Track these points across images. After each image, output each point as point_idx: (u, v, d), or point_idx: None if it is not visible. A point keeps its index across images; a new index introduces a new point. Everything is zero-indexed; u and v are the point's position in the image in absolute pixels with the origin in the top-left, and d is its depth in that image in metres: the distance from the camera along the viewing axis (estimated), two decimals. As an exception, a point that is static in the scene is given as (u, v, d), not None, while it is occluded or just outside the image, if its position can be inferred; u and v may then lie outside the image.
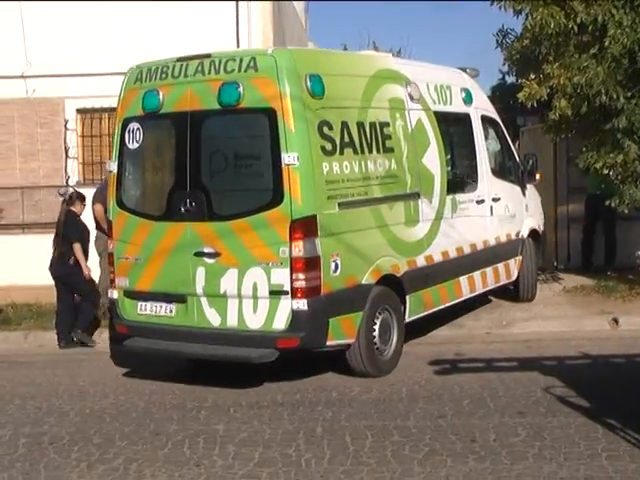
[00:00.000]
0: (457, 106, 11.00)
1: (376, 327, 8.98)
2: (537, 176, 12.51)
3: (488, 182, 11.43)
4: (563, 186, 15.49)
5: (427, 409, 7.68)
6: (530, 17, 12.26)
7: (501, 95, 25.23)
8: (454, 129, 11.21)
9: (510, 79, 18.06)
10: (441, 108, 10.52)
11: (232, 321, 8.44)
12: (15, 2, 13.40)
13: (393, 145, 9.46)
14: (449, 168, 10.57)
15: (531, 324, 11.34)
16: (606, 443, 6.58)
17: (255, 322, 8.35)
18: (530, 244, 12.51)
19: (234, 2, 13.50)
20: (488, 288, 11.54)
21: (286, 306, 8.22)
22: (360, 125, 8.98)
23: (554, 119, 12.57)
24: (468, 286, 10.91)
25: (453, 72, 11.54)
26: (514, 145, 13.70)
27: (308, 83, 8.33)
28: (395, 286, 9.31)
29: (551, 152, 15.33)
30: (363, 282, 8.81)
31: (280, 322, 8.26)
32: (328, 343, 8.45)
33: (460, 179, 11.13)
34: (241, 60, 8.42)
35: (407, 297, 9.48)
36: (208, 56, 8.60)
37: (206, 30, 13.07)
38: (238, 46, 13.23)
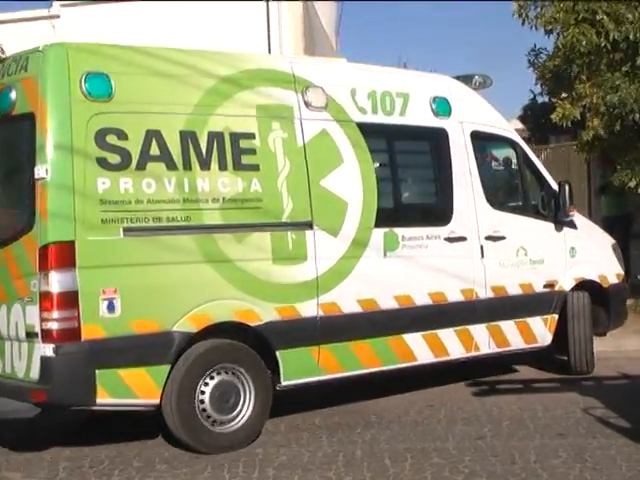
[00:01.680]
0: (417, 118, 8.74)
1: (206, 390, 7.26)
2: (571, 210, 9.69)
3: (479, 215, 9.00)
4: (596, 206, 15.40)
5: (466, 430, 7.65)
6: (561, 36, 12.31)
7: (533, 114, 25.16)
8: (406, 146, 9.10)
9: (542, 98, 18.00)
10: (375, 119, 8.41)
11: (7, 367, 7.16)
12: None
13: (258, 162, 7.59)
14: (384, 194, 8.38)
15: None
16: (649, 464, 6.52)
17: (20, 369, 6.99)
18: (581, 300, 9.72)
19: (264, 2, 13.53)
20: (482, 352, 9.04)
21: (38, 351, 6.75)
22: (187, 135, 7.27)
23: (587, 139, 12.56)
24: (427, 347, 8.56)
25: (419, 77, 9.52)
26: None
27: (84, 83, 6.85)
28: (252, 340, 7.50)
29: (582, 171, 15.26)
30: (173, 329, 7.06)
31: (35, 371, 6.81)
32: (102, 401, 6.84)
33: (410, 209, 9.03)
34: (19, 60, 7.19)
35: (278, 355, 7.62)
36: (8, 58, 7.52)
37: (237, 30, 13.05)
38: (269, 47, 13.24)
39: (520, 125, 31.62)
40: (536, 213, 9.67)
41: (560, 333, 9.64)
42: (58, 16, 17.87)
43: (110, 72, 7.02)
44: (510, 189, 10.39)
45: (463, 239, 8.84)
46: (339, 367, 8.02)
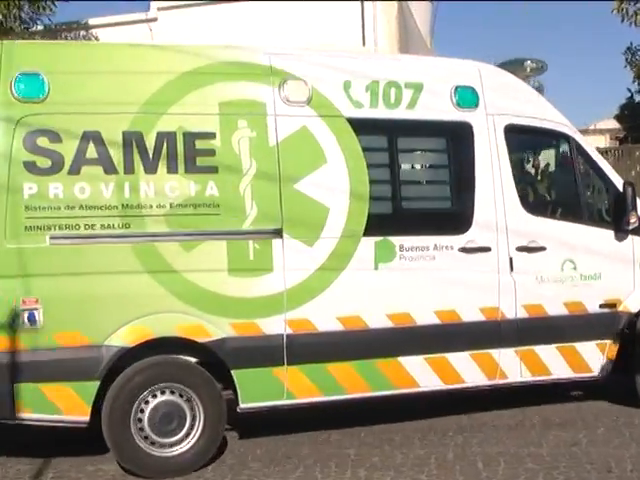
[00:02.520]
0: (430, 111, 7.68)
1: (145, 411, 6.74)
2: (633, 218, 8.12)
3: (509, 222, 7.79)
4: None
5: (561, 436, 7.55)
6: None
7: (630, 114, 24.68)
8: (413, 143, 8.04)
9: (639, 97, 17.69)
10: (373, 114, 7.49)
11: None
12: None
13: (216, 164, 6.93)
14: (379, 198, 7.45)
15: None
16: None
17: None
18: None
19: (359, 2, 13.55)
20: (511, 380, 7.88)
21: None
22: (132, 136, 6.74)
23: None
24: (433, 373, 7.54)
25: (439, 65, 8.16)
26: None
27: (14, 83, 6.49)
28: (203, 358, 6.96)
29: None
30: (104, 343, 6.58)
31: None
32: (24, 416, 6.52)
33: (413, 215, 7.67)
34: None
35: (234, 375, 6.97)
36: None
37: (333, 31, 13.08)
38: (364, 44, 13.25)
39: (617, 125, 31.08)
40: (594, 220, 8.33)
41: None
42: (155, 19, 18.26)
43: (46, 71, 6.60)
44: (558, 192, 9.21)
45: (486, 250, 7.69)
46: (314, 391, 7.22)
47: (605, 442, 7.35)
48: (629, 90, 22.12)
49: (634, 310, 8.21)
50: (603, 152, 20.57)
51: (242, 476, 6.82)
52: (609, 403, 8.61)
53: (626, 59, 13.64)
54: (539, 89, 8.44)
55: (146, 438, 6.75)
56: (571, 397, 8.87)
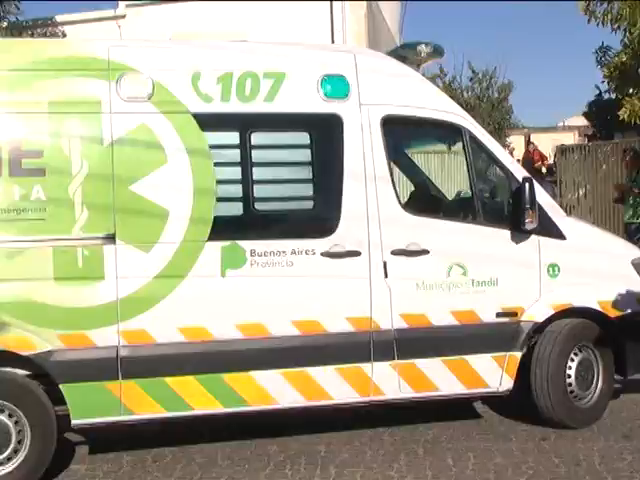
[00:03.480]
0: (292, 104, 7.07)
1: None
2: (529, 217, 7.24)
3: (383, 224, 7.11)
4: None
5: (529, 431, 7.58)
6: (628, 33, 12.15)
7: (598, 111, 24.87)
8: (270, 139, 7.15)
9: (608, 95, 17.84)
10: (223, 109, 6.93)
11: None
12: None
13: (44, 166, 6.50)
14: (227, 200, 6.94)
15: None
16: None
17: None
18: (558, 335, 7.49)
19: (328, 2, 13.61)
20: (390, 397, 7.22)
21: None
22: None
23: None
24: (292, 388, 6.94)
25: (305, 53, 7.40)
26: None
27: None
28: (32, 371, 6.56)
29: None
30: None
31: None
32: None
33: (267, 218, 7.03)
34: None
35: (63, 389, 6.51)
36: None
37: (301, 30, 13.10)
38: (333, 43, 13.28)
39: (585, 122, 31.26)
40: (490, 220, 7.46)
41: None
42: (124, 16, 18.17)
43: None
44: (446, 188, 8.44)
45: (354, 254, 7.04)
46: (155, 407, 6.71)
47: (573, 437, 7.38)
48: (597, 87, 22.26)
49: (540, 319, 7.45)
50: (570, 149, 20.73)
51: (211, 474, 6.81)
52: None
53: (596, 58, 13.76)
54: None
55: None
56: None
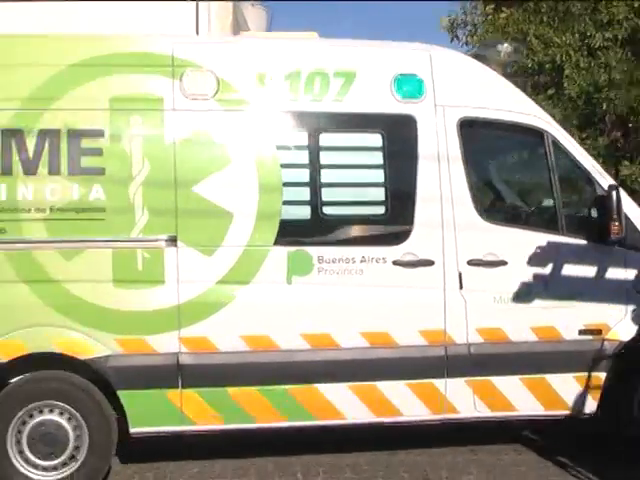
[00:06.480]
0: (363, 103, 6.78)
1: (22, 436, 6.26)
2: (616, 228, 6.80)
3: (459, 232, 6.77)
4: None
5: (378, 447, 7.51)
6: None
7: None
8: (339, 140, 6.86)
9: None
10: (291, 107, 6.71)
11: None
12: None
13: (103, 164, 6.34)
14: (295, 204, 6.66)
15: None
16: None
17: None
18: None
19: (194, 2, 13.54)
20: (463, 416, 6.85)
21: None
22: (11, 134, 6.29)
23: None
24: (360, 403, 6.65)
25: (377, 50, 7.06)
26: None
27: None
28: (86, 376, 6.36)
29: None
30: None
31: None
32: None
33: (336, 223, 6.73)
34: None
35: (121, 396, 6.34)
36: None
37: (166, 31, 12.99)
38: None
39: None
40: (572, 230, 7.04)
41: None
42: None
43: None
44: (529, 196, 8.02)
45: (428, 263, 6.72)
46: (215, 418, 6.50)
47: (422, 451, 7.45)
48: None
49: (625, 338, 6.97)
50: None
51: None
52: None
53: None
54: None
55: (27, 460, 6.27)
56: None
